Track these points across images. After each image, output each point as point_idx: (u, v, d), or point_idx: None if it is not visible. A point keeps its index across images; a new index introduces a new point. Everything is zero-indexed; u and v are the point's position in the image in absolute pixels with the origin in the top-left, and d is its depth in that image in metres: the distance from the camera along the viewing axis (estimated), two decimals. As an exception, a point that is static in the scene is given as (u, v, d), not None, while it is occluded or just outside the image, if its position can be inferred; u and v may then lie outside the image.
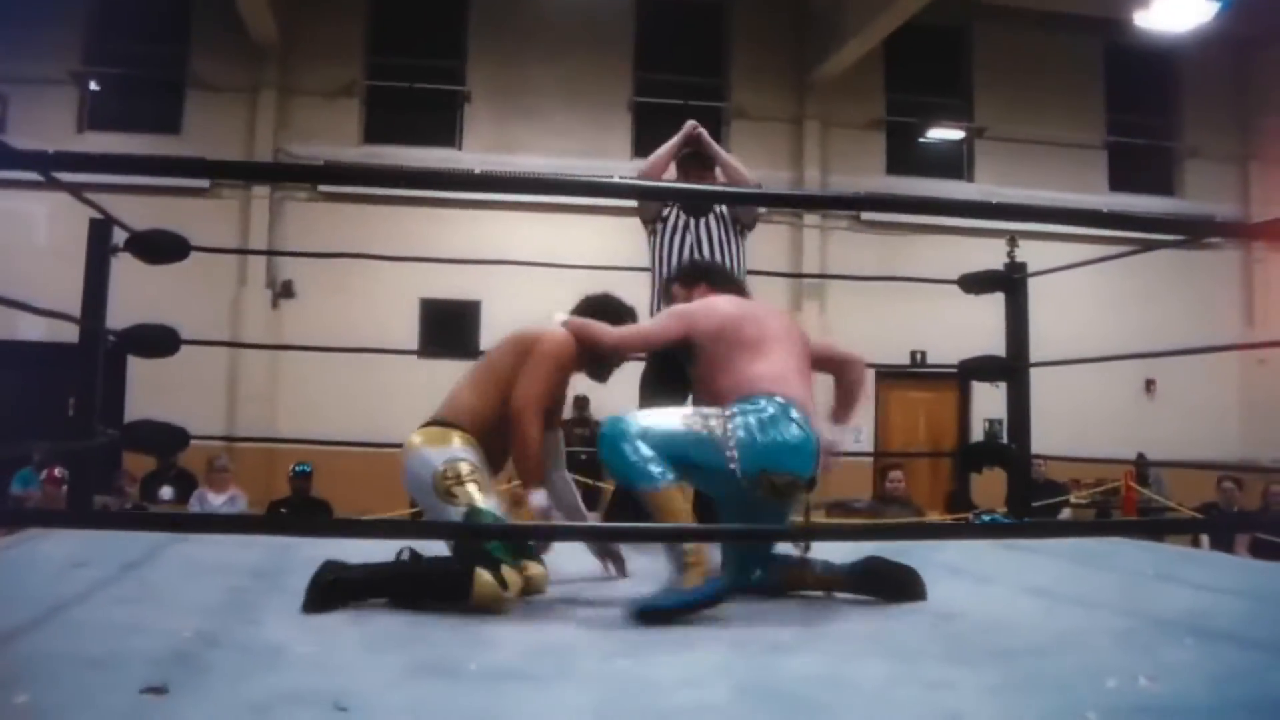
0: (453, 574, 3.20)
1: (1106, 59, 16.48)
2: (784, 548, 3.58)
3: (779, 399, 3.40)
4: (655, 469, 3.24)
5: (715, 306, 3.70)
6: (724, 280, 4.05)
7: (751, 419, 3.34)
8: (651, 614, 3.12)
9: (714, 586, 3.19)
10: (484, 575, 3.13)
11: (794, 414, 3.37)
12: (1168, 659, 2.72)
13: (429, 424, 3.68)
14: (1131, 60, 16.10)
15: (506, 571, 3.18)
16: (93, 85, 14.40)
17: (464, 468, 3.49)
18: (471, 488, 3.44)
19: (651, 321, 3.92)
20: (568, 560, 3.86)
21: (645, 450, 3.26)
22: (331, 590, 3.13)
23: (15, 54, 13.56)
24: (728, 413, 3.37)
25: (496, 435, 3.67)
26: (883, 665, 2.65)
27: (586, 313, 3.90)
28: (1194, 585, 3.97)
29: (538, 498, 3.54)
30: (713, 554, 3.36)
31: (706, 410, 3.45)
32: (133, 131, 13.99)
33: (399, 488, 3.73)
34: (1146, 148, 16.56)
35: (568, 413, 12.27)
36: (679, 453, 3.32)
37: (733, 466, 3.30)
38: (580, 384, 3.95)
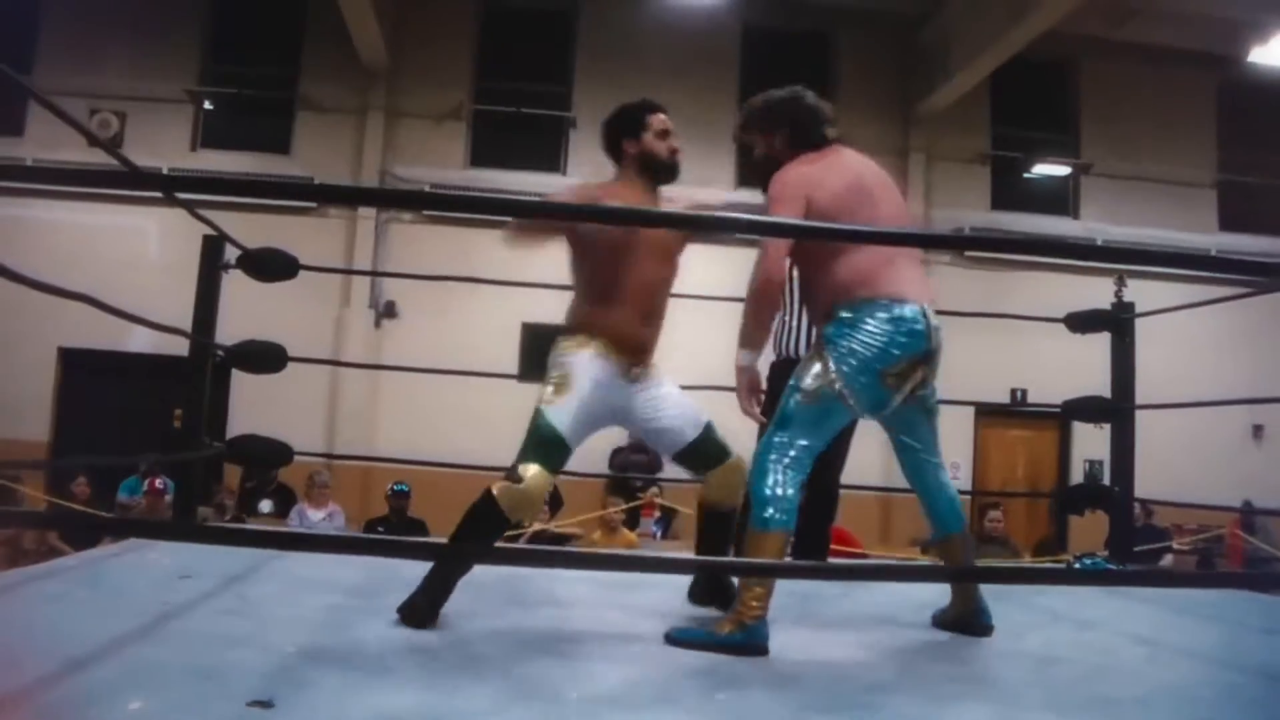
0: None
1: (1219, 95, 16.13)
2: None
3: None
4: (771, 511, 3.21)
5: None
6: None
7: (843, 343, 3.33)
8: (677, 642, 3.17)
9: (738, 639, 3.13)
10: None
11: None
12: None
13: None
14: (1246, 97, 15.69)
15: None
16: (207, 105, 14.75)
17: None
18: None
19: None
20: (672, 596, 3.88)
21: (777, 485, 3.23)
22: None
23: (134, 73, 14.10)
24: (824, 352, 3.35)
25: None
26: (983, 710, 2.61)
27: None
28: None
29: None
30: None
31: (802, 373, 3.38)
32: (244, 150, 14.32)
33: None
34: (1259, 186, 16.16)
35: (626, 439, 12.05)
36: (821, 436, 3.35)
37: (852, 403, 3.30)
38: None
